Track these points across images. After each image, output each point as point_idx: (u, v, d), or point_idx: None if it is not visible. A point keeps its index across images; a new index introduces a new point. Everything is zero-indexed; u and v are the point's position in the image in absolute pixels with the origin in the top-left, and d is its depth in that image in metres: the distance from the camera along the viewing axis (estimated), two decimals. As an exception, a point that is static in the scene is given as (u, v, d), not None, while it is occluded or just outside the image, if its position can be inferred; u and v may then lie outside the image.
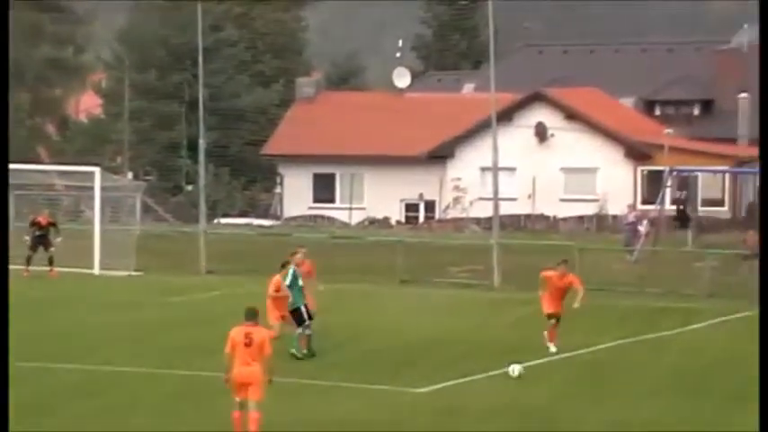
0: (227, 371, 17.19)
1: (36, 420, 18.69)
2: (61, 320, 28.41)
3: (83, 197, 43.33)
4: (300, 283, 23.81)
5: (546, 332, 24.61)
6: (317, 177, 59.69)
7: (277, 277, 24.08)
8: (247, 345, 16.90)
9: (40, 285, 34.33)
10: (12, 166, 42.54)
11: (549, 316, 24.61)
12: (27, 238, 36.83)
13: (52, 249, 36.72)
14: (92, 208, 39.16)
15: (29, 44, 66.84)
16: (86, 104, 71.50)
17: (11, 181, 42.45)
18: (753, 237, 42.51)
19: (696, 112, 66.68)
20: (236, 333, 17.09)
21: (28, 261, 36.56)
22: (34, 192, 46.77)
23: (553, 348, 24.43)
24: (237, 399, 16.97)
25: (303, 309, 23.53)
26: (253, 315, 17.38)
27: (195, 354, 23.84)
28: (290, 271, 23.87)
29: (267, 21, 72.40)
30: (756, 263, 41.35)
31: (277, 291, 23.92)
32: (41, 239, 36.67)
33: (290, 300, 23.63)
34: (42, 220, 37.21)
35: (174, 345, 25.20)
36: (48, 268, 36.76)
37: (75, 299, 31.73)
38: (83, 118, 71.49)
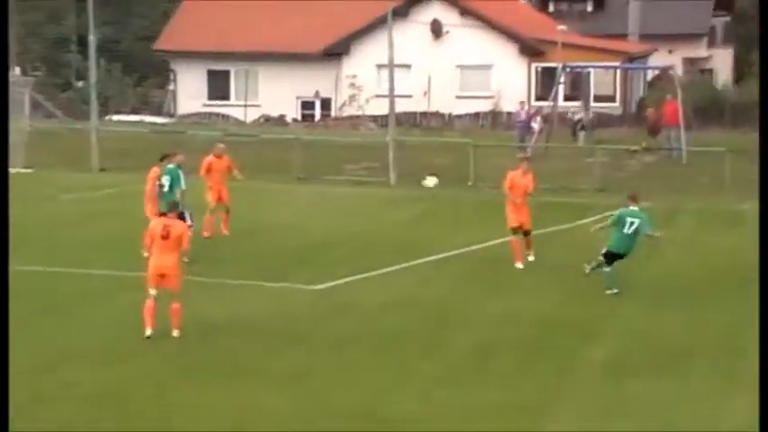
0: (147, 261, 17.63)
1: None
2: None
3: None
4: (183, 185, 23.53)
5: (512, 249, 23.16)
6: (210, 74, 59.18)
7: (155, 170, 23.88)
8: (164, 237, 17.38)
9: None
10: None
11: (514, 230, 23.19)
12: None
13: None
14: (-20, 104, 38.48)
15: None
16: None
17: None
18: (653, 114, 43.35)
19: (589, 8, 67.27)
20: (155, 225, 17.67)
21: None
22: None
23: (531, 258, 23.29)
24: (152, 290, 17.30)
25: (187, 214, 23.02)
26: (173, 208, 18.08)
27: (88, 250, 23.83)
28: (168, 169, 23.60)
29: None
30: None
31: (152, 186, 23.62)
32: None
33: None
34: None
35: (66, 242, 25.14)
36: None
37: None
38: (-32, 11, 69.87)
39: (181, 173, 23.70)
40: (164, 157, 23.98)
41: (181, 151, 24.82)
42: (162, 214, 19.31)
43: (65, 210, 29.99)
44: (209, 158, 25.96)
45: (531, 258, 23.41)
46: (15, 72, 58.07)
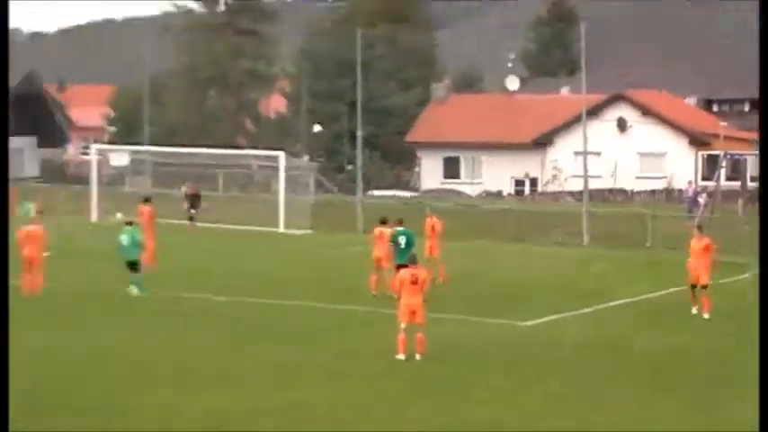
0: (398, 301, 17.46)
1: (238, 343, 18.86)
2: (255, 266, 28.72)
3: (271, 174, 43.73)
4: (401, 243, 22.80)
5: (692, 298, 21.13)
6: (446, 160, 59.49)
7: (381, 230, 23.47)
8: (413, 282, 17.27)
9: (234, 240, 34.67)
10: (220, 151, 43.28)
11: (692, 285, 21.26)
12: (185, 204, 37.15)
13: (193, 211, 37.09)
14: (278, 182, 39.47)
15: (233, 59, 67.74)
16: (275, 104, 72.19)
17: (220, 162, 43.21)
18: None
19: (746, 108, 64.59)
20: (404, 274, 17.53)
21: (190, 219, 37.12)
22: (236, 170, 47.46)
23: (706, 315, 20.73)
24: (403, 324, 17.11)
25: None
26: (414, 260, 17.98)
27: (352, 293, 23.81)
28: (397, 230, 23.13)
29: (408, 40, 71.99)
30: None
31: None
32: (194, 203, 36.99)
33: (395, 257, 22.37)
34: (191, 191, 37.54)
35: (340, 286, 25.23)
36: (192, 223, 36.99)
37: (265, 250, 32.05)
38: (272, 115, 72.20)
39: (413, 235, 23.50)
40: (384, 221, 23.67)
41: (423, 217, 24.61)
42: (402, 266, 19.13)
43: (335, 261, 30.23)
44: (431, 221, 25.60)
45: (706, 316, 21.05)
46: (305, 159, 59.48)
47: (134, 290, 23.23)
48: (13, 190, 34.56)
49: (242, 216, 38.19)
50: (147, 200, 28.70)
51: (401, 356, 17.03)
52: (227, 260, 29.54)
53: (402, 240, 23.08)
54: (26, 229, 23.18)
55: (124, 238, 23.53)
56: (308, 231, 37.04)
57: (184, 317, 21.09)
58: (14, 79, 63.90)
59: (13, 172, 64.35)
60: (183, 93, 67.85)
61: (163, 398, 14.58)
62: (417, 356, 17.08)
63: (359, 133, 41.06)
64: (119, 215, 24.63)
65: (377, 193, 54.88)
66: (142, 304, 22.35)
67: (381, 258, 23.34)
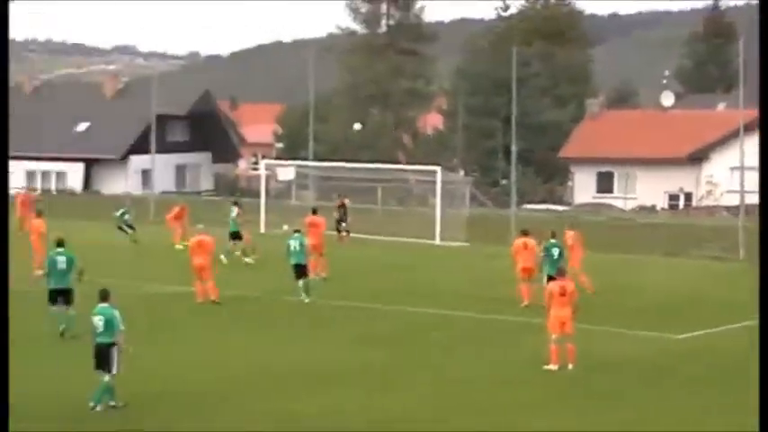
0: (547, 312, 17.32)
1: (392, 348, 19.09)
2: (411, 276, 28.95)
3: (428, 188, 43.92)
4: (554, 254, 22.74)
5: None
6: (599, 174, 58.49)
7: (525, 241, 23.32)
8: (562, 294, 17.11)
9: (392, 251, 34.97)
10: (380, 165, 43.82)
11: None
12: (335, 214, 37.38)
13: (344, 224, 37.29)
14: (435, 196, 39.63)
15: (393, 78, 68.56)
16: (432, 121, 72.62)
17: (379, 176, 43.69)
18: None
19: None
20: (553, 286, 17.40)
21: (339, 230, 37.35)
22: (395, 184, 47.91)
23: None
24: (554, 335, 17.00)
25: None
26: (562, 272, 17.89)
27: (507, 304, 23.71)
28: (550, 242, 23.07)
29: (564, 57, 71.17)
30: None
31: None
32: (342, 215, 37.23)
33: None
34: (339, 202, 37.71)
35: (493, 296, 25.18)
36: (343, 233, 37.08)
37: (421, 261, 32.22)
38: (429, 131, 72.62)
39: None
40: (526, 233, 23.53)
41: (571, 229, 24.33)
42: (552, 278, 19.00)
43: (488, 272, 30.13)
44: (570, 234, 25.18)
45: None
46: (460, 173, 59.54)
47: (305, 297, 23.80)
48: (180, 209, 35.59)
49: (400, 228, 38.48)
50: (314, 211, 29.35)
51: (552, 366, 16.90)
52: (385, 270, 29.86)
53: (555, 252, 22.90)
54: (197, 238, 23.67)
55: (294, 243, 24.04)
56: (464, 243, 37.00)
57: (344, 324, 21.48)
58: (191, 98, 66.60)
59: (190, 185, 67.81)
60: (346, 110, 69.07)
61: (334, 399, 14.93)
62: (570, 366, 16.91)
63: (513, 148, 40.83)
64: (285, 227, 25.30)
65: (530, 206, 54.40)
66: (305, 311, 22.88)
67: (528, 269, 23.17)
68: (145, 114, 54.33)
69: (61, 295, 19.48)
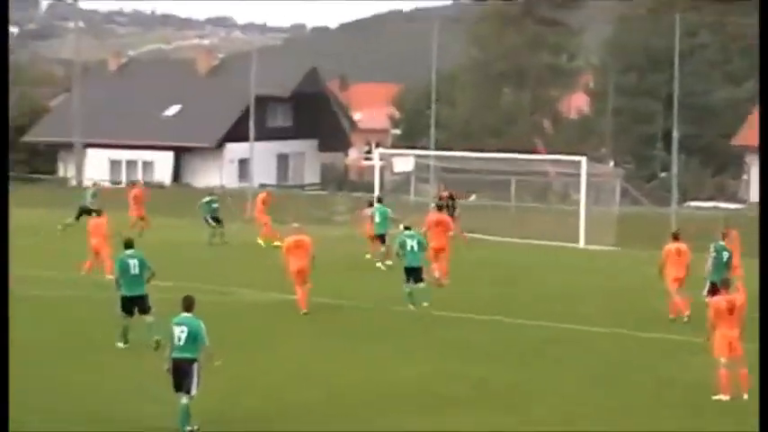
0: (708, 336, 17.08)
1: (516, 367, 19.08)
2: (548, 285, 28.82)
3: (570, 182, 43.66)
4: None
5: None
6: (781, 165, 56.87)
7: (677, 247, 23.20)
8: (730, 311, 16.88)
9: (527, 255, 34.86)
10: (514, 155, 43.78)
11: None
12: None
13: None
14: (578, 191, 39.37)
15: (531, 53, 68.23)
16: (576, 103, 72.02)
17: (513, 168, 43.63)
18: None
19: None
20: (719, 301, 17.12)
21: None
22: (531, 178, 47.73)
23: None
24: (723, 359, 16.76)
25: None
26: (727, 284, 17.56)
27: (659, 319, 23.40)
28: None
29: (739, 25, 69.60)
30: None
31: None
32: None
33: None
34: (446, 193, 37.52)
35: (644, 310, 24.88)
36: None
37: (561, 268, 32.05)
38: (573, 115, 72.05)
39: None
40: (676, 236, 23.28)
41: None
42: (715, 286, 18.71)
43: (640, 281, 29.77)
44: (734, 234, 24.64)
45: None
46: (609, 164, 58.89)
47: (415, 304, 24.02)
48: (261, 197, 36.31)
49: (536, 229, 38.34)
50: (440, 208, 29.51)
51: (723, 397, 16.60)
52: (515, 278, 29.88)
53: (725, 256, 22.56)
54: (294, 238, 23.81)
55: (410, 243, 24.25)
56: (612, 248, 36.68)
57: (460, 337, 21.60)
58: (296, 77, 67.53)
59: (293, 178, 68.90)
60: (474, 91, 69.08)
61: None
62: (744, 396, 16.59)
63: (675, 134, 40.30)
64: (401, 226, 25.53)
65: (694, 204, 53.43)
66: (416, 322, 23.08)
67: (680, 279, 22.87)
68: (243, 96, 55.53)
69: (137, 303, 19.96)
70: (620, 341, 21.54)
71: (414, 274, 24.20)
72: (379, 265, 30.12)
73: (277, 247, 28.39)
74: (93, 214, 30.67)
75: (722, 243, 22.86)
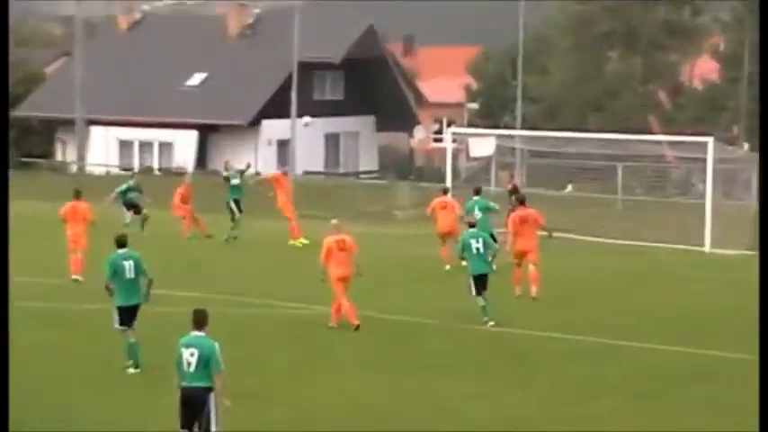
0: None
1: (632, 401, 18.90)
2: (661, 298, 28.48)
3: (694, 169, 43.16)
4: None
5: None
6: None
7: None
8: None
9: (636, 261, 34.52)
10: (621, 136, 43.44)
11: None
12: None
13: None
14: (703, 181, 38.93)
15: (644, 8, 67.68)
16: (702, 69, 71.30)
17: (620, 152, 43.25)
18: None
19: None
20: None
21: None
22: (643, 164, 47.34)
23: None
24: None
25: None
26: None
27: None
28: None
29: None
30: None
31: None
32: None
33: None
34: (510, 183, 37.28)
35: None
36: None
37: (684, 277, 31.68)
38: (697, 84, 71.36)
39: None
40: None
41: None
42: None
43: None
44: None
45: None
46: (744, 147, 58.22)
47: (490, 319, 23.93)
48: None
49: (649, 228, 37.98)
50: (521, 201, 29.33)
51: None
52: (621, 289, 29.70)
53: None
54: (335, 237, 23.68)
55: (474, 244, 24.35)
56: (748, 252, 36.15)
57: (557, 364, 21.41)
58: (348, 39, 67.39)
59: (345, 163, 69.00)
60: (572, 56, 68.69)
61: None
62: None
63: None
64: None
65: None
66: (498, 344, 22.91)
67: None
68: (283, 62, 55.72)
69: (133, 314, 20.30)
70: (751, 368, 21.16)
71: (481, 281, 24.08)
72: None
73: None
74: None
75: None
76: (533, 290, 26.95)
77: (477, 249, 24.30)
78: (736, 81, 64.22)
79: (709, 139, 38.58)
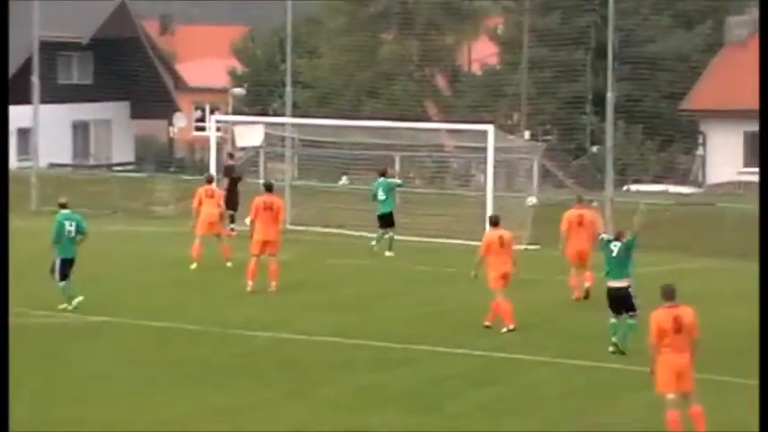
0: (652, 361, 17.37)
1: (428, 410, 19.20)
2: (444, 298, 28.98)
3: (474, 159, 44.01)
4: None
5: None
6: (748, 136, 58.15)
7: None
8: (677, 330, 17.04)
9: (425, 257, 35.05)
10: (398, 124, 43.97)
11: None
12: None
13: None
14: (483, 172, 39.73)
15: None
16: (480, 53, 72.58)
17: (397, 141, 43.80)
18: None
19: None
20: (663, 319, 17.15)
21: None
22: (421, 153, 48.00)
23: None
24: (668, 395, 16.96)
25: None
26: (672, 295, 17.43)
27: (599, 342, 23.76)
28: None
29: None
30: None
31: None
32: None
33: None
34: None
35: (575, 331, 25.22)
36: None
37: (460, 274, 32.18)
38: (476, 69, 72.66)
39: None
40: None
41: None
42: None
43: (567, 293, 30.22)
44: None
45: None
46: (524, 136, 59.60)
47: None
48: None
49: (430, 222, 38.50)
50: (268, 188, 29.70)
51: None
52: (405, 291, 29.96)
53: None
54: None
55: (68, 227, 26.15)
56: (530, 246, 37.09)
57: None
58: (99, 16, 66.53)
59: (96, 155, 68.06)
60: (344, 36, 69.18)
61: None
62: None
63: (609, 95, 40.83)
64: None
65: (636, 188, 54.41)
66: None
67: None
68: (22, 41, 54.45)
69: (72, 265, 26.12)
70: (546, 370, 21.67)
71: (69, 265, 25.65)
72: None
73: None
74: None
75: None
76: (272, 285, 28.38)
77: (70, 233, 25.88)
78: (516, 66, 65.56)
79: (489, 127, 39.36)
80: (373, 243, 35.26)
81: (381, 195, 35.03)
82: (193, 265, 31.20)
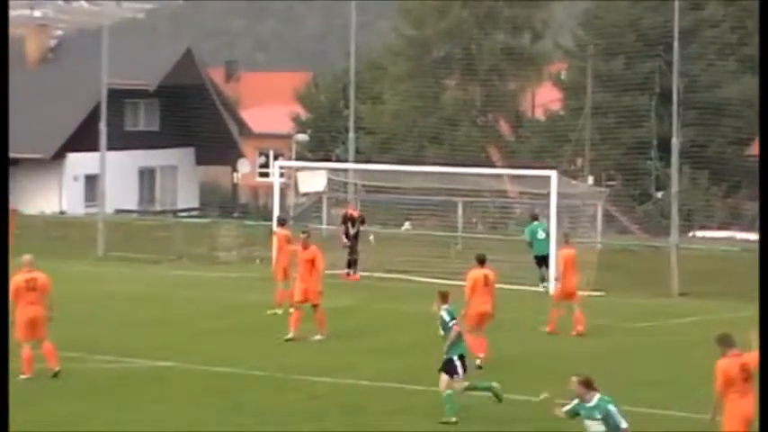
0: (715, 408, 17.44)
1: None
2: (504, 344, 28.96)
3: (537, 205, 43.95)
4: None
5: None
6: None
7: None
8: (745, 379, 17.25)
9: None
10: (461, 169, 44.03)
11: None
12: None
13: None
14: (547, 217, 39.63)
15: (482, 32, 68.70)
16: (543, 98, 72.68)
17: (460, 186, 43.86)
18: None
19: None
20: (729, 368, 17.34)
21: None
22: (485, 198, 48.03)
23: None
24: None
25: None
26: (732, 343, 17.52)
27: (666, 390, 23.60)
28: None
29: (756, -4, 70.92)
30: None
31: None
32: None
33: None
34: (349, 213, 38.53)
35: (637, 378, 25.11)
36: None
37: (522, 320, 32.11)
38: (539, 114, 72.70)
39: None
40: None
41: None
42: None
43: (635, 339, 30.03)
44: None
45: None
46: (588, 181, 59.50)
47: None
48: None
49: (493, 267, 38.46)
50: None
51: None
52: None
53: None
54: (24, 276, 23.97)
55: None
56: (594, 293, 36.95)
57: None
58: (166, 63, 67.05)
59: (161, 200, 68.51)
60: (407, 82, 69.42)
61: None
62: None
63: (674, 141, 40.74)
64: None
65: (702, 234, 54.09)
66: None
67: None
68: (90, 89, 55.05)
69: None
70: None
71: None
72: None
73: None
74: None
75: None
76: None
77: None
78: (580, 111, 65.55)
79: (553, 173, 39.30)
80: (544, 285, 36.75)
81: (541, 235, 37.29)
82: (278, 311, 31.19)
